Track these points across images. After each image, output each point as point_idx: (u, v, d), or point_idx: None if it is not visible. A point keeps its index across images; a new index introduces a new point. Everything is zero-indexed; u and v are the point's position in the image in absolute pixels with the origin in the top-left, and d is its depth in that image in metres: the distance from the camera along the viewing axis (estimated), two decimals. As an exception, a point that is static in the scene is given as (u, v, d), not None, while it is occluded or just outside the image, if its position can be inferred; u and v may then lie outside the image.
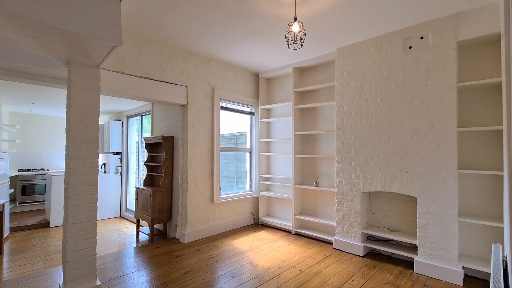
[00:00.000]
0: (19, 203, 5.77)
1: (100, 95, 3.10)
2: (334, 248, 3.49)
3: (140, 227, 4.34)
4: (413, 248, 3.03)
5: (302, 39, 2.21)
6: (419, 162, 2.84)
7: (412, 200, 3.11)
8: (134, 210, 4.55)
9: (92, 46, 1.86)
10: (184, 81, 3.66)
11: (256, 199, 4.70)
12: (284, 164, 4.47)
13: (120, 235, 4.38)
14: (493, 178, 2.66)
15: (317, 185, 3.87)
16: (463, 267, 2.59)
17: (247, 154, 4.83)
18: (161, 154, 4.12)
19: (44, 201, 5.94)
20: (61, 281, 2.53)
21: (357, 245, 3.27)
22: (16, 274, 2.89)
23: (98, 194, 2.27)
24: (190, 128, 3.72)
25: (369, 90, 3.25)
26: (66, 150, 2.17)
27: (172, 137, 4.05)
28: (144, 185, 4.29)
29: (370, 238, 3.39)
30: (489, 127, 2.52)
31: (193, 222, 3.75)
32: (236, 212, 4.38)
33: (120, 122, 5.69)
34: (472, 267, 2.54)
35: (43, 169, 6.30)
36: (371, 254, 3.28)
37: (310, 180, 4.11)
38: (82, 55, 2.05)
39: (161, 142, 4.05)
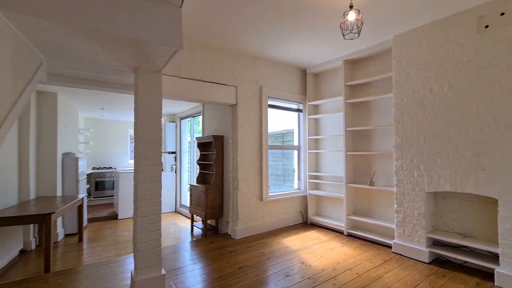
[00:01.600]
0: (93, 197, 6.61)
1: (159, 99, 3.36)
2: (393, 252, 3.23)
3: (194, 222, 4.60)
4: (492, 257, 2.64)
5: (359, 27, 2.07)
6: (500, 158, 2.45)
7: (489, 202, 2.71)
8: (187, 205, 4.85)
9: (156, 52, 2.01)
10: (234, 81, 3.75)
11: (304, 197, 4.61)
12: (334, 162, 4.29)
13: (176, 229, 4.71)
14: None
15: (372, 184, 3.63)
16: None
17: (295, 152, 4.76)
18: (212, 153, 4.30)
19: (113, 196, 6.69)
20: (132, 268, 2.81)
21: (422, 251, 2.97)
22: (94, 260, 3.31)
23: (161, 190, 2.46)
24: (239, 127, 3.81)
25: (434, 78, 2.92)
26: (135, 150, 2.39)
27: (222, 136, 4.19)
28: (197, 183, 4.53)
29: (436, 244, 3.06)
30: None
31: (243, 219, 3.84)
32: (284, 211, 4.35)
33: (174, 123, 6.10)
34: None
35: (111, 168, 7.11)
36: (439, 261, 2.96)
37: (363, 178, 3.87)
38: (147, 61, 2.23)
39: (212, 141, 4.22)
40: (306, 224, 4.49)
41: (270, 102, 4.29)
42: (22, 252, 3.59)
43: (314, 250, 3.34)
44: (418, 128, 3.04)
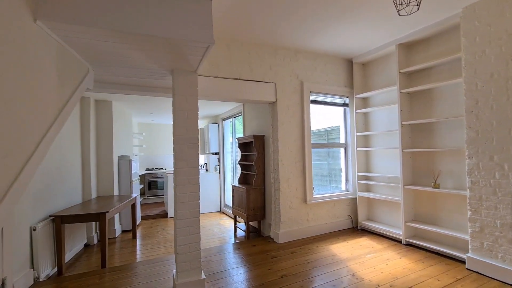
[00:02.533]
0: (147, 196, 7.12)
1: (198, 100, 3.38)
2: (467, 269, 2.68)
3: (237, 223, 4.56)
4: None
5: None
6: None
7: None
8: (231, 206, 4.84)
9: (188, 49, 1.95)
10: (272, 77, 3.58)
11: (354, 200, 4.20)
12: (387, 161, 3.80)
13: (220, 229, 4.73)
14: None
15: (436, 186, 3.09)
16: None
17: (341, 150, 4.37)
18: (253, 153, 4.20)
19: (163, 195, 7.12)
20: (174, 270, 2.85)
21: (509, 270, 2.39)
22: (144, 257, 3.48)
23: (200, 192, 2.42)
24: (280, 125, 3.62)
25: (521, 55, 2.32)
26: (174, 151, 2.39)
27: (263, 136, 4.06)
28: (238, 183, 4.48)
29: (530, 262, 2.43)
30: None
31: (286, 222, 3.64)
32: (331, 214, 4.02)
33: (217, 125, 6.20)
34: None
35: (162, 168, 7.58)
36: (535, 285, 2.34)
37: (425, 179, 3.33)
38: (181, 61, 2.20)
39: (252, 141, 4.12)
40: (356, 229, 4.08)
41: (313, 98, 4.00)
42: (86, 246, 3.98)
43: (366, 260, 2.98)
44: (499, 118, 2.46)
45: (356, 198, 4.15)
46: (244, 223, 4.34)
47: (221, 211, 6.08)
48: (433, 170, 3.24)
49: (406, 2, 1.72)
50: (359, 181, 4.07)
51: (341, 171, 4.39)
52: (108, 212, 3.14)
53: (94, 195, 4.11)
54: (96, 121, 4.25)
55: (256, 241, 3.75)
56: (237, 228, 4.49)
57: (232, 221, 5.17)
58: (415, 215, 3.46)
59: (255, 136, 4.00)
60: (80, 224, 3.82)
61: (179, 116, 2.37)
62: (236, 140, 4.75)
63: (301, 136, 3.78)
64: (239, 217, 4.32)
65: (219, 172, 6.10)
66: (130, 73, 2.46)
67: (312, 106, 4.03)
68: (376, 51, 3.71)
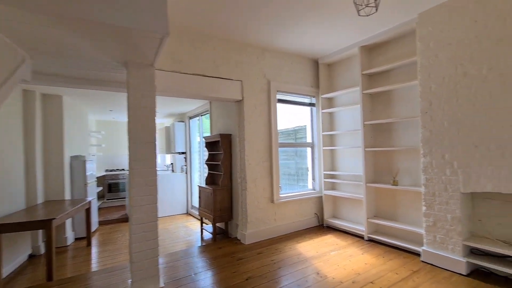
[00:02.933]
0: (107, 199, 6.62)
1: (161, 96, 3.17)
2: (422, 261, 2.83)
3: (203, 225, 4.40)
4: (550, 272, 2.19)
5: (376, 0, 1.73)
6: (559, 152, 2.01)
7: (545, 205, 2.26)
8: (198, 207, 4.66)
9: (141, 40, 1.79)
10: (239, 75, 3.49)
11: (320, 198, 4.27)
12: (351, 160, 3.91)
13: (187, 232, 4.54)
14: None
15: (395, 183, 3.23)
16: None
17: (308, 150, 4.42)
18: (220, 153, 4.07)
19: (125, 198, 6.68)
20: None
21: (458, 261, 2.56)
22: (100, 266, 3.18)
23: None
24: (246, 124, 3.54)
25: (469, 60, 2.49)
26: (129, 151, 2.20)
27: (230, 135, 3.95)
28: (205, 184, 4.33)
29: (475, 253, 2.63)
30: None
31: (253, 223, 3.57)
32: (298, 213, 4.04)
33: (183, 123, 5.95)
34: None
35: (123, 169, 7.11)
36: (479, 274, 2.53)
37: (385, 177, 3.47)
38: (135, 53, 2.02)
39: (219, 140, 3.99)
40: (322, 227, 4.16)
41: (280, 97, 3.99)
42: (32, 256, 3.55)
43: (330, 257, 3.02)
44: (450, 119, 2.62)
45: (322, 196, 4.22)
46: (211, 225, 4.20)
47: (188, 213, 5.86)
48: (393, 168, 3.39)
49: (365, 3, 1.73)
50: (325, 180, 4.15)
51: (308, 170, 4.44)
52: (55, 218, 2.82)
53: (41, 199, 3.69)
54: (43, 118, 3.81)
55: (223, 243, 3.64)
56: (203, 230, 4.33)
57: (199, 223, 4.99)
58: (377, 211, 3.60)
59: (222, 135, 3.88)
60: (23, 232, 3.40)
61: (134, 113, 2.18)
62: (203, 139, 4.59)
63: (268, 136, 3.74)
64: (205, 218, 4.17)
65: (186, 173, 5.86)
66: (77, 65, 2.21)
67: (280, 105, 4.02)
68: (341, 53, 3.80)
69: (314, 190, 4.32)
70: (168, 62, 2.95)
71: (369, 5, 1.76)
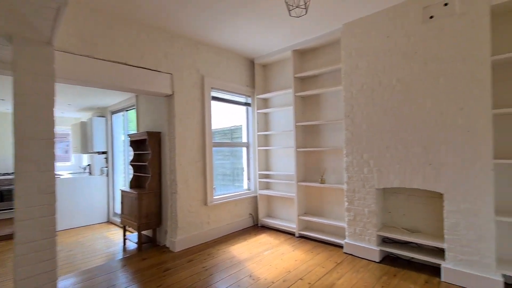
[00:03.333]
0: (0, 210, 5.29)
1: (73, 86, 2.64)
2: (345, 253, 3.07)
3: (127, 234, 3.90)
4: (438, 252, 2.62)
5: (306, 2, 1.75)
6: (446, 153, 2.41)
7: (436, 197, 2.69)
8: (120, 214, 4.10)
9: (29, 8, 1.39)
10: (169, 67, 3.18)
11: (255, 198, 4.27)
12: (285, 159, 4.03)
13: (106, 243, 3.94)
14: (536, 169, 2.24)
15: (323, 182, 3.44)
16: (503, 275, 2.19)
17: (244, 150, 4.38)
18: (147, 152, 3.66)
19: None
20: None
21: (373, 249, 2.85)
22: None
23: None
24: (177, 122, 3.26)
25: (382, 70, 2.80)
26: (15, 150, 1.71)
27: (159, 133, 3.59)
28: (130, 187, 3.84)
29: (386, 241, 2.98)
30: (532, 108, 2.09)
31: (184, 228, 3.32)
32: (233, 214, 3.95)
33: (104, 118, 5.20)
34: (515, 276, 2.14)
35: (23, 173, 5.82)
36: (389, 259, 2.88)
37: (315, 176, 3.67)
38: (23, 25, 1.57)
39: (146, 139, 3.59)
40: (257, 227, 4.16)
41: (215, 94, 3.82)
42: None
43: (263, 258, 3.01)
44: (367, 122, 2.91)
45: (257, 196, 4.23)
46: (137, 233, 3.74)
47: (109, 221, 5.14)
48: (321, 167, 3.61)
49: (296, 3, 1.74)
50: (260, 180, 4.17)
51: (244, 170, 4.40)
52: None
53: None
54: None
55: (149, 252, 3.27)
56: (126, 240, 3.83)
57: (122, 232, 4.41)
58: (307, 208, 3.78)
59: (149, 133, 3.49)
60: None
61: (23, 101, 1.71)
62: (128, 137, 4.07)
63: (202, 134, 3.54)
64: (129, 227, 3.69)
65: (107, 175, 5.14)
66: None
67: (215, 103, 3.85)
68: (275, 54, 3.86)
69: (249, 190, 4.30)
70: (78, 44, 2.46)
71: (299, 6, 1.77)
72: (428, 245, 2.69)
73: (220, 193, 3.94)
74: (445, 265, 2.42)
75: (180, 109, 3.29)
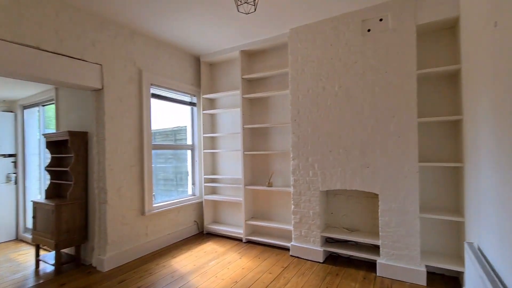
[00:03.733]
0: None
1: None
2: (291, 256, 3.09)
3: (42, 254, 3.23)
4: (374, 249, 2.82)
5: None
6: (381, 156, 2.61)
7: (371, 197, 2.90)
8: (32, 230, 3.38)
9: None
10: (97, 57, 2.74)
11: (200, 204, 4.02)
12: (232, 163, 3.89)
13: (12, 268, 3.20)
14: (448, 170, 2.58)
15: (270, 185, 3.42)
16: (426, 266, 2.45)
17: (188, 152, 4.10)
18: (70, 156, 3.09)
19: None
20: None
21: (317, 250, 2.93)
22: None
23: None
24: (108, 121, 2.83)
25: (326, 77, 2.90)
26: None
27: (85, 133, 3.07)
28: (46, 198, 3.19)
29: (329, 241, 3.10)
30: (446, 117, 2.40)
31: (116, 243, 2.89)
32: (176, 223, 3.63)
33: (12, 114, 4.27)
34: (435, 265, 2.41)
35: None
36: (331, 258, 2.99)
37: (263, 179, 3.63)
38: None
39: (68, 140, 3.02)
40: (203, 234, 3.92)
41: (155, 91, 3.47)
42: None
43: (209, 269, 2.81)
44: (313, 126, 2.98)
45: (202, 201, 3.99)
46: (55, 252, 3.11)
47: (18, 239, 4.23)
48: (269, 170, 3.58)
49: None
50: (206, 184, 3.94)
51: (188, 175, 4.11)
52: None
53: None
54: None
55: (71, 275, 2.75)
56: (40, 261, 3.17)
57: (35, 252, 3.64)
58: (255, 213, 3.71)
59: (72, 133, 2.95)
60: None
61: None
62: (43, 137, 3.39)
63: (139, 135, 3.15)
64: (44, 245, 3.05)
65: (15, 183, 4.22)
66: None
67: (156, 101, 3.49)
68: (222, 53, 3.71)
69: (194, 195, 4.03)
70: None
71: (248, 2, 1.66)
72: (365, 243, 2.88)
73: (161, 200, 3.59)
74: (380, 260, 2.61)
75: (112, 106, 2.86)
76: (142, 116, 3.17)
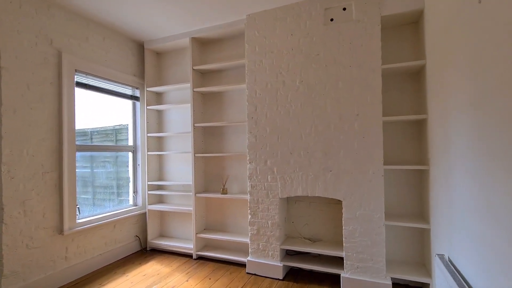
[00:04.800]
0: None
1: None
2: (248, 273, 2.69)
3: None
4: (339, 260, 2.56)
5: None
6: (345, 158, 2.36)
7: (333, 203, 2.65)
8: None
9: None
10: (-9, 28, 2.06)
11: (143, 215, 3.43)
12: (182, 167, 3.38)
13: None
14: (411, 173, 2.43)
15: (224, 192, 2.99)
16: (391, 278, 2.24)
17: (130, 155, 3.49)
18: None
19: None
20: None
21: (276, 266, 2.57)
22: None
23: None
24: (7, 114, 2.15)
25: (286, 69, 2.59)
26: None
27: (-21, 130, 2.32)
28: None
29: (290, 253, 2.77)
30: (411, 117, 2.24)
31: (18, 274, 2.20)
32: (111, 240, 3.01)
33: None
34: (400, 277, 2.21)
35: None
36: (292, 273, 2.66)
37: (217, 186, 3.19)
38: None
39: (-50, 139, 2.25)
40: (146, 251, 3.33)
41: (83, 80, 2.83)
42: None
43: (145, 298, 2.28)
44: (272, 125, 2.64)
45: (146, 212, 3.40)
46: None
47: None
48: (223, 175, 3.16)
49: None
50: (150, 192, 3.36)
51: (130, 181, 3.49)
52: None
53: None
54: None
55: None
56: None
57: None
58: (207, 224, 3.24)
59: (-45, 130, 2.20)
60: None
61: None
62: None
63: (57, 134, 2.50)
64: None
65: None
66: None
67: (85, 92, 2.86)
68: (171, 40, 3.20)
69: (136, 205, 3.42)
70: None
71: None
72: (329, 255, 2.60)
73: (89, 214, 2.93)
74: (344, 275, 2.34)
75: (15, 94, 2.19)
76: (61, 109, 2.52)
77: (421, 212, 2.39)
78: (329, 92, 2.43)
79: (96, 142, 3.52)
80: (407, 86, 2.47)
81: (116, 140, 3.77)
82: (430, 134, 2.13)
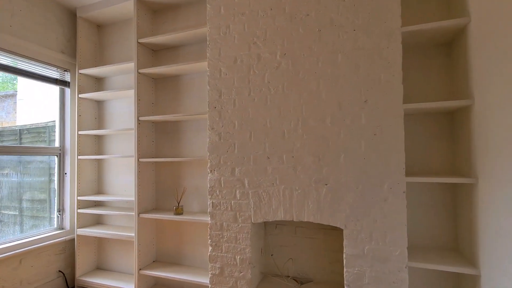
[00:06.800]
0: None
1: None
2: (206, 332, 1.85)
3: None
4: (335, 313, 1.77)
5: None
6: (346, 166, 1.58)
7: (330, 228, 1.87)
8: None
9: None
10: None
11: (71, 243, 2.53)
12: (128, 176, 2.52)
13: None
14: (439, 188, 1.69)
15: (179, 211, 2.15)
16: None
17: (55, 160, 2.59)
18: None
19: None
20: None
21: (246, 324, 1.75)
22: None
23: None
24: None
25: (263, 38, 1.81)
26: None
27: None
28: None
29: (267, 300, 1.95)
30: (446, 103, 1.49)
31: None
32: (16, 280, 2.10)
33: None
34: None
35: None
36: (270, 332, 1.84)
37: (171, 202, 2.35)
38: None
39: None
40: (73, 292, 2.43)
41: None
42: None
43: None
44: (241, 118, 1.84)
45: (74, 238, 2.50)
46: None
47: None
48: (179, 187, 2.32)
49: None
50: (82, 210, 2.47)
51: (55, 195, 2.59)
52: None
53: None
54: None
55: None
56: None
57: None
58: (158, 254, 2.39)
59: None
60: None
61: None
62: None
63: None
64: None
65: None
66: None
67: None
68: (110, 4, 2.37)
69: (62, 229, 2.52)
70: None
71: None
72: (321, 304, 1.81)
73: (-22, 245, 2.02)
74: None
75: None
76: None
77: (457, 247, 1.64)
78: (324, 70, 1.65)
79: (26, 143, 2.70)
80: (433, 62, 1.73)
81: (49, 141, 2.89)
82: (478, 129, 1.39)
